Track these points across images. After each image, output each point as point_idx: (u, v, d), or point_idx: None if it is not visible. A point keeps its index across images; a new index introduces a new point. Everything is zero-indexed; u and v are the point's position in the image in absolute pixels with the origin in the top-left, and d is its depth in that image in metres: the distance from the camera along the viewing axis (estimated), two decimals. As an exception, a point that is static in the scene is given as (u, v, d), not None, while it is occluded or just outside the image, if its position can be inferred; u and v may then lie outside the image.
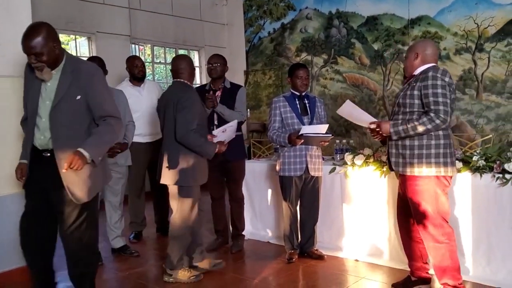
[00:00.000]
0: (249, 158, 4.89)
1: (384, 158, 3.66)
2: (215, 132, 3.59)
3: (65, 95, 2.47)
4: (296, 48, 7.68)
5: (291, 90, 3.86)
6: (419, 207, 2.84)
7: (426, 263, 3.10)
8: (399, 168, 2.90)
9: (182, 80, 3.44)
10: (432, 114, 2.72)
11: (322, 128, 3.65)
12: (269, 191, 4.47)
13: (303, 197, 3.82)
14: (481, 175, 3.18)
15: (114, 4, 6.81)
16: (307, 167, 3.71)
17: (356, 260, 3.77)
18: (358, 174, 3.81)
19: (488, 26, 5.75)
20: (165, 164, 3.34)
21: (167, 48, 8.06)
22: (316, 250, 3.86)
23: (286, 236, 3.85)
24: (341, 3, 7.05)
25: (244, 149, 4.23)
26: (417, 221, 2.91)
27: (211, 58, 4.11)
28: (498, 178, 3.11)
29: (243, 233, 4.33)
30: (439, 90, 2.72)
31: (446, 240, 2.81)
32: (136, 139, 4.32)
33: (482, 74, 5.86)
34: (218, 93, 4.08)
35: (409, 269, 3.19)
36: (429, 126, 2.73)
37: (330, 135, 3.68)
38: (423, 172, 2.81)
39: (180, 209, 3.38)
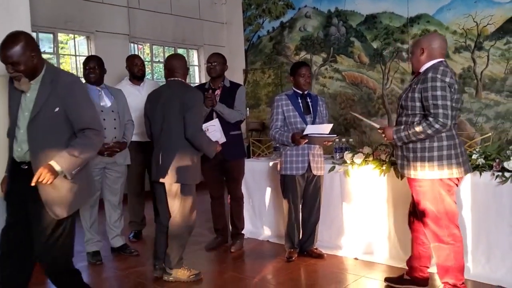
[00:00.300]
0: (249, 157, 4.90)
1: (383, 157, 3.67)
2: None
3: (44, 106, 2.36)
4: (295, 47, 7.68)
5: (294, 89, 3.84)
6: (424, 208, 2.82)
7: (426, 267, 3.07)
8: (404, 170, 2.88)
9: (179, 79, 3.44)
10: (431, 119, 2.67)
11: (326, 128, 3.64)
12: (269, 190, 4.47)
13: (305, 196, 3.82)
14: (480, 174, 3.18)
15: (113, 3, 6.80)
16: (309, 166, 3.71)
17: (356, 259, 3.77)
18: (357, 173, 3.81)
19: (487, 24, 5.74)
20: (175, 163, 3.31)
21: (166, 47, 8.05)
22: (316, 248, 3.86)
23: (286, 234, 3.84)
24: (340, 1, 7.05)
25: (243, 148, 4.23)
26: (422, 222, 2.88)
27: (210, 57, 4.10)
28: (497, 176, 3.11)
29: (242, 232, 4.32)
30: (439, 93, 2.65)
31: (451, 241, 2.77)
32: (135, 138, 4.32)
33: (481, 72, 5.86)
34: (218, 92, 4.08)
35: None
36: (429, 131, 2.68)
37: (335, 135, 3.66)
38: (427, 175, 2.76)
39: (182, 208, 3.38)
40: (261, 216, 4.54)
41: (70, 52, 6.93)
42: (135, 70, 4.55)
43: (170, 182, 3.34)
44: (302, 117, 3.72)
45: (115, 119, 3.90)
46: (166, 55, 8.12)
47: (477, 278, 3.18)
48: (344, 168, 3.88)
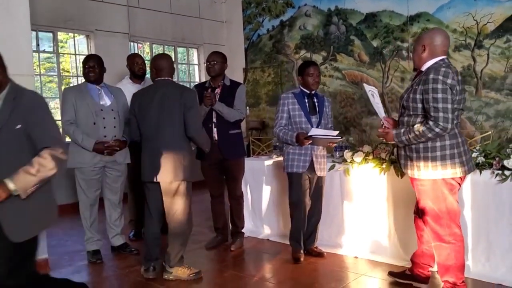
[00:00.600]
0: (249, 156, 4.89)
1: (383, 155, 3.67)
2: None
3: (6, 124, 2.27)
4: (295, 46, 7.67)
5: (301, 88, 3.79)
6: (426, 207, 2.82)
7: (428, 265, 3.08)
8: (408, 170, 2.87)
9: (168, 78, 3.46)
10: (431, 123, 2.64)
11: (331, 134, 3.59)
12: (269, 189, 4.47)
13: (312, 196, 3.79)
14: (480, 172, 3.18)
15: (113, 2, 6.79)
16: (313, 166, 3.66)
17: (356, 257, 3.77)
18: (357, 172, 3.81)
19: (487, 22, 5.74)
20: (175, 161, 3.32)
21: (166, 46, 8.04)
22: (316, 247, 3.86)
23: (293, 235, 3.76)
24: (340, 0, 7.04)
25: (243, 147, 4.22)
26: (424, 221, 2.88)
27: (209, 56, 4.10)
28: (497, 174, 3.11)
29: (242, 230, 4.33)
30: (439, 95, 2.61)
31: (452, 241, 2.76)
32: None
33: (481, 70, 5.85)
34: (218, 90, 4.07)
35: (408, 266, 3.21)
36: (429, 135, 2.67)
37: (339, 137, 3.60)
38: (430, 175, 2.75)
39: (183, 205, 3.41)
40: (261, 214, 4.55)
41: (69, 51, 6.92)
42: (136, 69, 4.55)
43: (170, 180, 3.33)
44: (307, 117, 3.68)
45: (114, 118, 3.90)
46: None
47: (477, 277, 3.18)
48: (344, 167, 3.88)
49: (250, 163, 4.47)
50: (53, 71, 6.91)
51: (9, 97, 2.33)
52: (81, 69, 4.11)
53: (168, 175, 3.33)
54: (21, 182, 2.20)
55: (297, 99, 3.72)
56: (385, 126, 2.99)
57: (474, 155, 3.22)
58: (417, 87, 2.75)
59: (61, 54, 6.72)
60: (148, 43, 7.73)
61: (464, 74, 5.97)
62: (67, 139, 4.19)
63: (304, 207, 3.71)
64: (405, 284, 3.15)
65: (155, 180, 3.37)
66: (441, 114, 2.61)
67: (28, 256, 2.39)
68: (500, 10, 5.63)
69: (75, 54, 6.76)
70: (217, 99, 3.99)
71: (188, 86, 8.51)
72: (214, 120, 4.01)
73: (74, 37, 6.76)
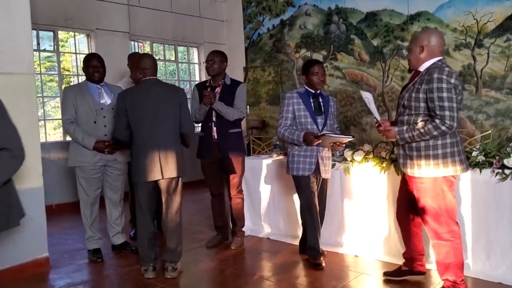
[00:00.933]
0: (249, 155, 4.89)
1: (383, 154, 3.67)
2: None
3: None
4: (295, 45, 7.67)
5: (306, 87, 3.67)
6: (425, 205, 2.83)
7: (422, 255, 3.15)
8: (407, 169, 2.88)
9: (155, 77, 3.52)
10: (437, 121, 2.66)
11: (344, 139, 3.48)
12: (269, 188, 4.48)
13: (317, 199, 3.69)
14: (480, 171, 3.18)
15: (113, 1, 6.80)
16: (318, 169, 3.57)
17: (356, 256, 3.78)
18: (357, 170, 3.81)
19: (488, 21, 5.74)
20: (175, 158, 3.39)
21: (166, 45, 8.05)
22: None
23: (310, 245, 3.59)
24: (340, -1, 7.05)
25: (243, 146, 4.22)
26: (423, 219, 2.90)
27: (207, 56, 4.10)
28: (497, 173, 3.11)
29: (242, 229, 4.33)
30: (445, 94, 2.63)
31: (451, 238, 2.79)
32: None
33: (482, 69, 5.85)
34: (218, 89, 4.07)
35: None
36: (435, 133, 2.69)
37: (351, 136, 3.49)
38: (431, 174, 2.77)
39: (180, 200, 3.51)
40: (261, 213, 4.55)
41: (70, 50, 6.93)
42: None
43: (175, 176, 3.40)
44: (313, 118, 3.56)
45: (115, 117, 3.91)
46: (167, 53, 8.13)
47: (477, 275, 3.18)
48: (345, 166, 3.88)
49: (250, 162, 4.48)
50: (53, 70, 6.92)
51: None
52: (82, 68, 4.10)
53: (174, 171, 3.38)
54: None
55: (302, 99, 3.60)
56: (383, 124, 2.98)
57: (474, 154, 3.24)
58: (419, 86, 2.75)
59: (61, 53, 6.73)
60: (148, 42, 7.73)
61: (464, 73, 5.97)
62: (68, 138, 4.19)
63: (316, 211, 3.57)
64: (403, 280, 3.18)
65: (161, 178, 3.37)
66: (447, 113, 2.63)
67: None
68: (500, 9, 5.63)
69: (76, 53, 6.77)
70: (218, 98, 3.99)
71: (188, 85, 8.54)
72: (214, 119, 4.02)
73: (74, 36, 6.76)
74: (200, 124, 4.18)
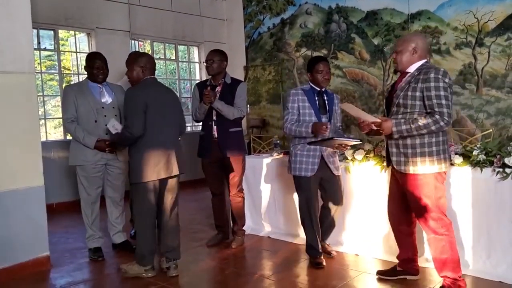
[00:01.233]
0: (249, 154, 4.90)
1: (384, 153, 3.66)
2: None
3: None
4: (296, 43, 7.67)
5: (311, 84, 3.60)
6: (420, 202, 2.86)
7: (416, 255, 3.17)
8: (401, 167, 2.90)
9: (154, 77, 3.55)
10: (437, 116, 2.73)
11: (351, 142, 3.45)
12: (269, 187, 4.48)
13: (326, 197, 3.67)
14: (481, 170, 3.18)
15: (114, 0, 6.79)
16: (327, 166, 3.53)
17: (357, 255, 3.78)
18: (358, 169, 3.81)
19: (488, 20, 5.73)
20: (180, 156, 3.49)
21: (167, 44, 8.05)
22: (328, 245, 3.81)
23: (308, 245, 3.61)
24: (341, -2, 7.05)
25: (243, 145, 4.22)
26: (417, 216, 2.93)
27: (207, 56, 4.10)
28: (498, 172, 3.11)
29: (243, 228, 4.33)
30: (442, 93, 2.73)
31: (446, 232, 2.84)
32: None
33: (482, 68, 5.85)
34: (218, 88, 4.07)
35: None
36: (433, 128, 2.74)
37: (359, 140, 3.45)
38: (426, 170, 2.82)
39: (178, 197, 3.53)
40: (262, 212, 4.55)
41: (70, 49, 6.92)
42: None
43: (180, 173, 3.48)
44: (317, 117, 3.50)
45: (116, 115, 3.91)
46: (167, 52, 8.12)
47: (477, 274, 3.19)
48: (345, 165, 3.88)
49: (250, 161, 4.48)
50: (54, 69, 6.93)
51: None
52: (82, 67, 4.10)
53: (182, 168, 3.47)
54: None
55: (307, 96, 3.54)
56: (379, 118, 2.97)
57: (475, 152, 3.24)
58: (415, 85, 2.81)
59: (62, 52, 6.72)
60: (149, 41, 7.73)
61: (465, 72, 5.97)
62: (68, 137, 4.19)
63: (315, 212, 3.56)
64: (403, 279, 3.18)
65: (174, 174, 3.41)
66: (445, 110, 2.72)
67: None
68: (501, 8, 5.63)
69: (76, 52, 6.76)
70: (218, 97, 3.99)
71: (189, 84, 8.54)
72: (214, 118, 4.02)
73: (75, 35, 6.77)
74: (200, 123, 4.19)
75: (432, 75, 2.76)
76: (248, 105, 8.01)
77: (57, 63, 6.60)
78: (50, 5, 6.13)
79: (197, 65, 8.51)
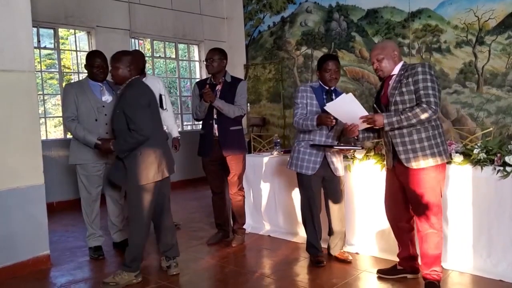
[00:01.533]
0: (250, 152, 4.89)
1: (384, 152, 3.66)
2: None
3: None
4: (296, 42, 7.66)
5: (320, 82, 3.54)
6: (423, 197, 2.88)
7: (416, 253, 3.17)
8: (411, 163, 2.89)
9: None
10: (424, 105, 2.80)
11: (356, 109, 3.17)
12: (270, 185, 4.48)
13: (329, 198, 3.63)
14: (481, 168, 3.18)
15: (113, -2, 6.80)
16: (328, 167, 3.52)
17: (357, 253, 3.78)
18: (358, 168, 3.81)
19: (489, 19, 5.73)
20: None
21: (167, 42, 8.04)
22: (344, 252, 3.70)
23: (308, 244, 3.61)
24: (341, -4, 7.04)
25: (244, 143, 4.22)
26: (419, 211, 2.93)
27: (207, 54, 4.10)
28: (498, 171, 3.11)
29: (243, 227, 4.33)
30: (429, 84, 2.82)
31: (440, 228, 2.93)
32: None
33: (483, 67, 5.85)
34: (219, 87, 4.07)
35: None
36: (422, 117, 2.80)
37: (361, 148, 3.52)
38: (436, 162, 2.86)
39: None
40: (262, 211, 4.55)
41: (70, 48, 6.92)
42: (138, 65, 4.54)
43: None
44: None
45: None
46: (167, 50, 8.12)
47: (478, 272, 3.19)
48: (346, 163, 3.87)
49: (251, 160, 4.48)
50: (54, 67, 6.93)
51: None
52: (82, 65, 4.09)
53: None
54: None
55: (315, 93, 3.48)
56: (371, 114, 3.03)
57: (475, 151, 3.24)
58: (406, 80, 2.89)
59: (62, 51, 6.72)
60: (148, 39, 7.73)
61: (466, 71, 5.97)
62: (69, 136, 4.19)
63: (316, 211, 3.55)
64: (403, 278, 3.18)
65: (173, 172, 3.43)
66: (432, 99, 2.80)
67: None
68: (501, 6, 5.62)
69: (76, 51, 6.76)
70: (218, 96, 3.99)
71: (189, 82, 8.54)
72: (215, 116, 4.02)
73: (75, 33, 6.76)
74: (200, 122, 4.19)
75: (419, 69, 2.86)
76: (248, 104, 8.01)
77: (57, 62, 6.59)
78: (50, 4, 6.13)
79: (197, 64, 8.50)
